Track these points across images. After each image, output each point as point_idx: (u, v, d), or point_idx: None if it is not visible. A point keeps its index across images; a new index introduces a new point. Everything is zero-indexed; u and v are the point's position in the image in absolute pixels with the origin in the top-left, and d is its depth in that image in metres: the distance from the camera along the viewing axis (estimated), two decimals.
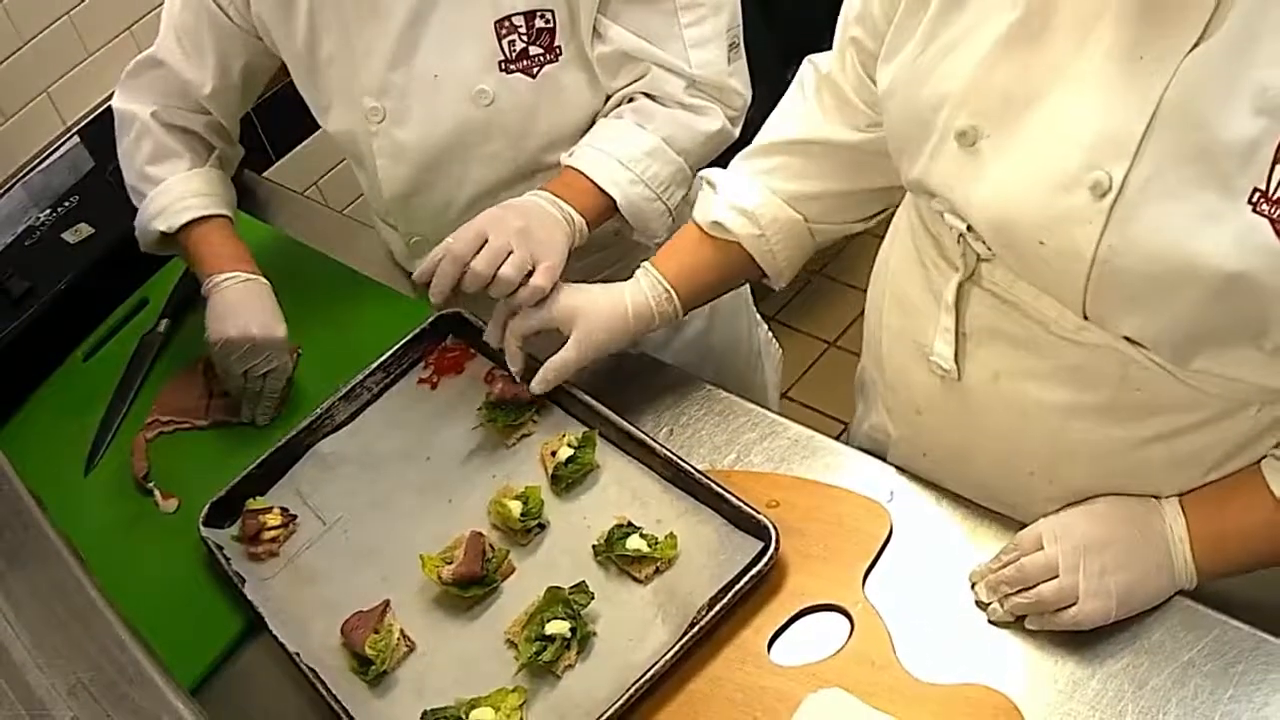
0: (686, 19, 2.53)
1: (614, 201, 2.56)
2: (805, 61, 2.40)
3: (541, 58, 2.54)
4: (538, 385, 2.40)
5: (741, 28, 2.66)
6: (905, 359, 2.24)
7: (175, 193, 2.82)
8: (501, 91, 2.56)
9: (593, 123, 2.67)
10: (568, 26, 2.53)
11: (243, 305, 2.67)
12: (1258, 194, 1.62)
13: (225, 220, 2.85)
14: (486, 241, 2.34)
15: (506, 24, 2.50)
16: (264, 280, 2.75)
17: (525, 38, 2.51)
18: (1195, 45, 1.63)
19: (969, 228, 1.96)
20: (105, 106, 3.43)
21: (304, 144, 3.32)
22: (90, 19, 3.49)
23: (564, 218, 2.48)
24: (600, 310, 2.41)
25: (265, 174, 3.50)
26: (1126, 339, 1.87)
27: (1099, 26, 1.72)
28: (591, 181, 2.55)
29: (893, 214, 2.36)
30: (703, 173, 2.53)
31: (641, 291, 2.43)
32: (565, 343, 2.39)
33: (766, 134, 2.45)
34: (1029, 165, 1.82)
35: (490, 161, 2.67)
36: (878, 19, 2.09)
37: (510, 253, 2.34)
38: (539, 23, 2.50)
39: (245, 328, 2.63)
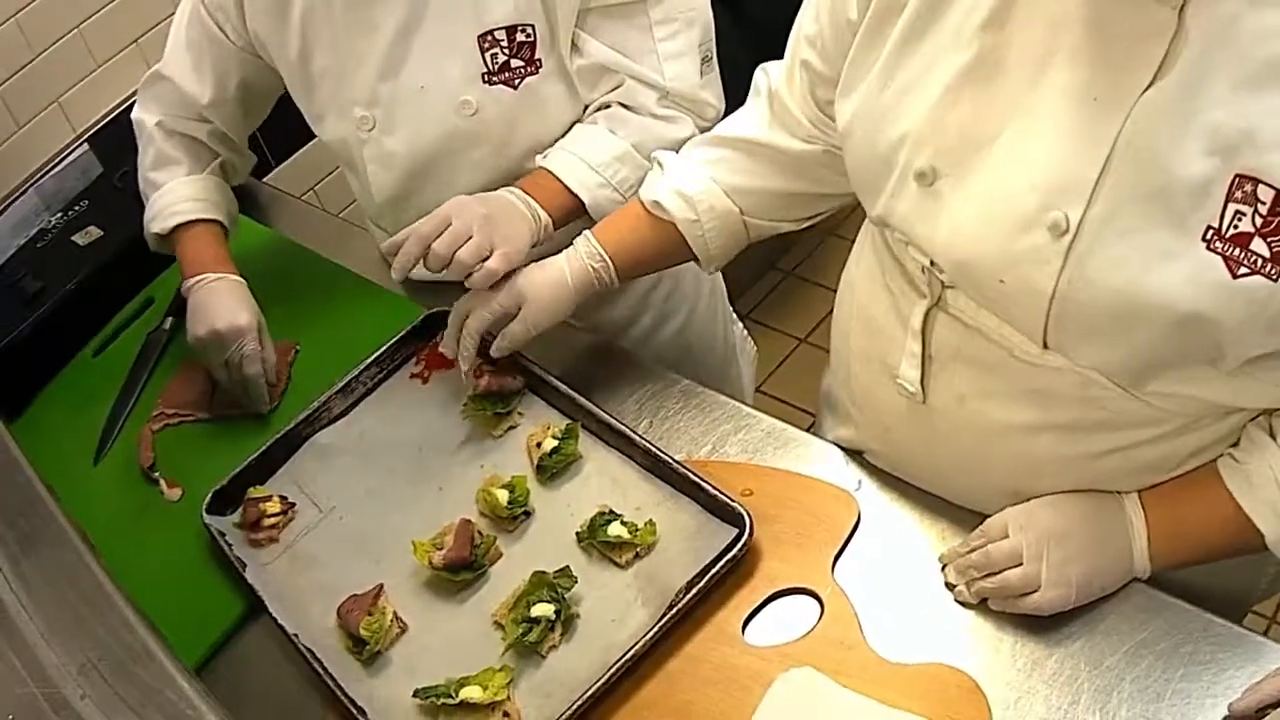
0: (660, 33, 2.53)
1: (582, 203, 2.56)
2: (759, 69, 2.39)
3: (523, 70, 2.54)
4: (495, 351, 2.42)
5: (714, 41, 2.66)
6: (872, 379, 2.24)
7: (170, 198, 2.84)
8: (485, 102, 2.55)
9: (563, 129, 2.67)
10: (548, 40, 2.53)
11: (210, 303, 2.68)
12: (1211, 231, 1.62)
13: (213, 225, 2.86)
14: (451, 225, 2.36)
15: (489, 38, 2.50)
16: (235, 278, 2.75)
17: (507, 51, 2.51)
18: (1148, 87, 1.62)
19: (931, 262, 1.95)
20: (113, 115, 3.46)
21: (301, 151, 3.32)
22: (99, 32, 3.48)
23: (530, 214, 2.48)
24: (541, 286, 2.42)
25: (265, 179, 3.49)
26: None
27: (1051, 67, 1.72)
28: (561, 183, 2.55)
29: (857, 228, 2.33)
30: (655, 154, 2.52)
31: (580, 259, 2.43)
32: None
33: (719, 128, 2.45)
34: (988, 206, 1.82)
35: (475, 168, 2.66)
36: (830, 48, 2.09)
37: (470, 238, 2.35)
38: (520, 37, 2.50)
39: (212, 323, 2.64)
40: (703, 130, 2.60)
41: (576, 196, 2.56)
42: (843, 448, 2.37)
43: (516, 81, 2.55)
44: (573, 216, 2.59)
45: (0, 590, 1.68)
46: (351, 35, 2.57)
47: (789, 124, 2.29)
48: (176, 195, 2.86)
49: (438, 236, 2.35)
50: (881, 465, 2.32)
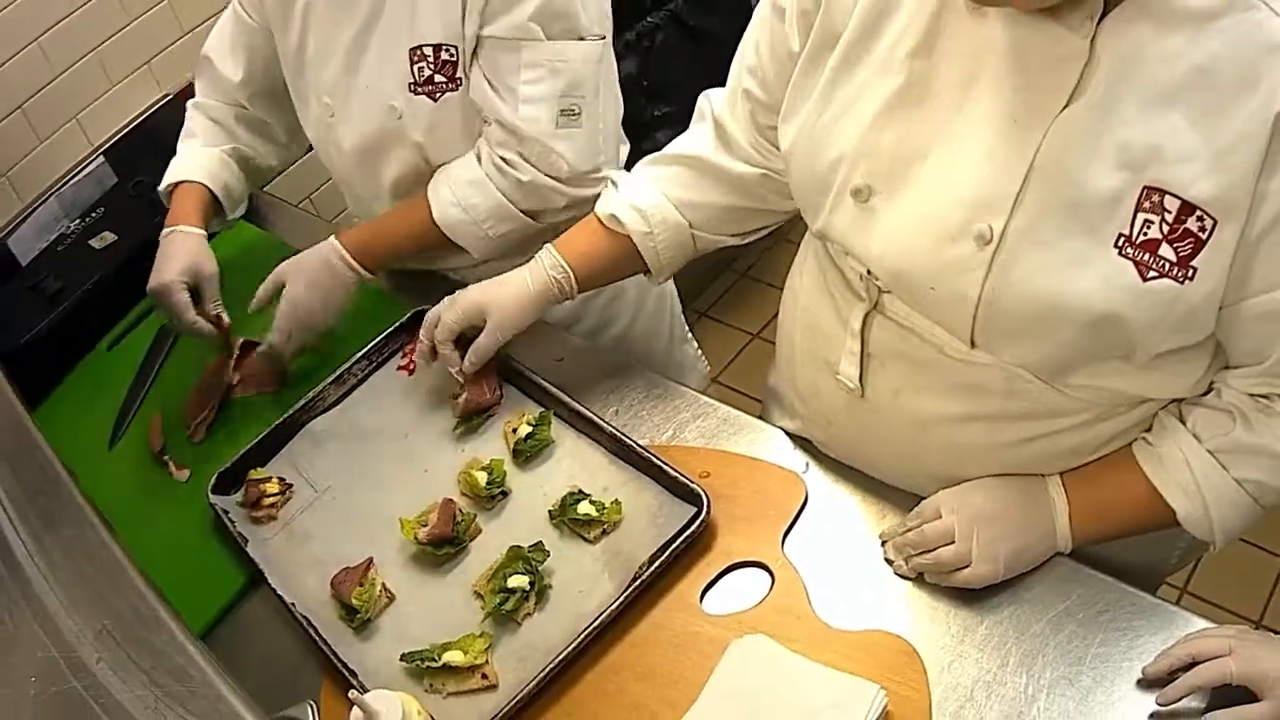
0: (525, 76, 2.48)
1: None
2: (702, 96, 2.40)
3: (444, 85, 2.55)
4: (468, 366, 2.42)
5: (586, 99, 2.57)
6: (816, 376, 2.25)
7: (175, 163, 2.91)
8: (408, 109, 2.58)
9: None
10: (469, 63, 2.54)
11: (164, 253, 2.76)
12: (1122, 239, 1.66)
13: (198, 187, 2.89)
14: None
15: (419, 52, 2.52)
16: (187, 229, 2.79)
17: (432, 66, 2.53)
18: (1063, 108, 1.65)
19: (869, 270, 1.97)
20: (128, 129, 3.44)
21: (298, 164, 3.31)
22: (114, 54, 3.46)
23: (343, 282, 2.69)
24: (507, 297, 2.41)
25: (265, 189, 3.47)
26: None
27: (974, 92, 1.74)
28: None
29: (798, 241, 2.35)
30: (608, 173, 2.54)
31: (543, 271, 2.41)
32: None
33: (669, 147, 2.43)
34: (918, 220, 1.84)
35: (401, 164, 2.70)
36: (771, 78, 2.10)
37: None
38: (444, 55, 2.52)
39: (159, 275, 2.72)
40: (554, 178, 2.59)
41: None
42: (790, 434, 2.37)
43: (437, 95, 2.56)
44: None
45: (23, 563, 1.68)
46: (326, 30, 2.62)
47: (732, 147, 2.29)
48: (180, 161, 2.93)
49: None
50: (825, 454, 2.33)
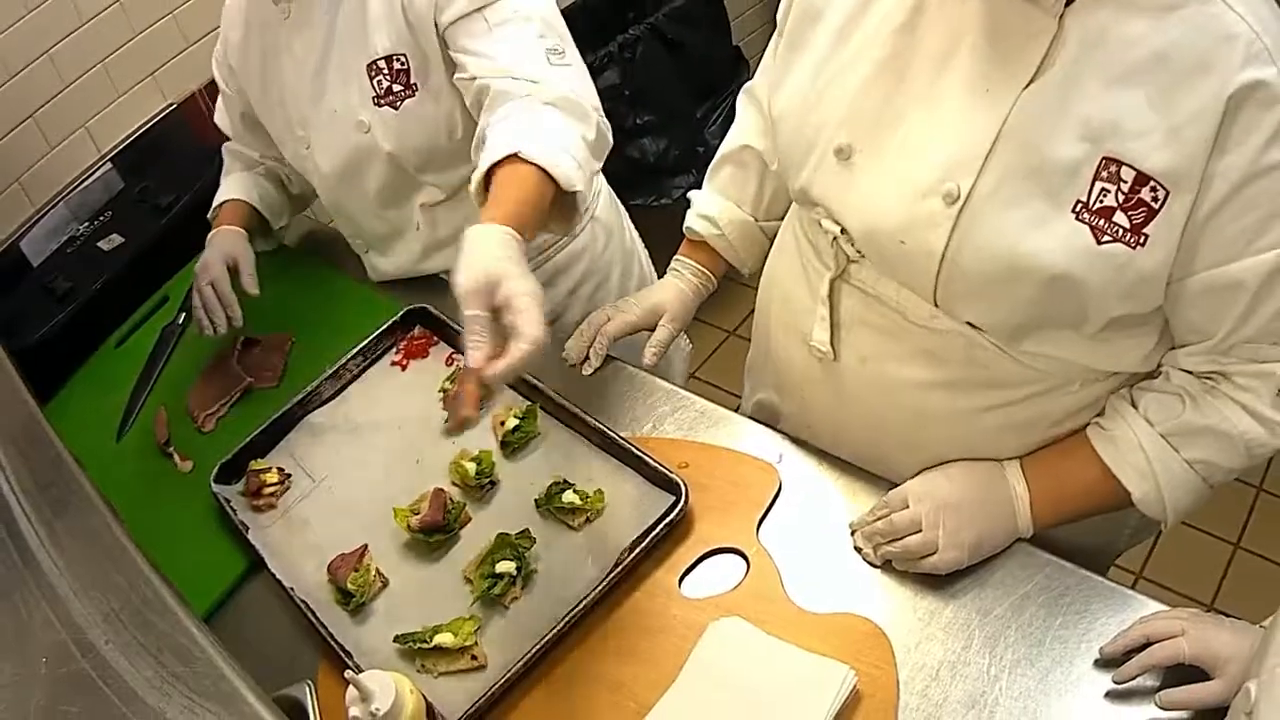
0: (499, 34, 2.40)
1: (549, 176, 2.20)
2: (742, 90, 2.49)
3: (402, 93, 2.55)
4: (650, 358, 2.44)
5: (563, 38, 2.49)
6: (790, 347, 2.28)
7: (219, 193, 3.02)
8: (375, 122, 2.58)
9: (449, 142, 2.66)
10: (422, 67, 2.54)
11: (206, 249, 2.88)
12: (1080, 205, 1.70)
13: (235, 203, 2.98)
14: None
15: (374, 66, 2.53)
16: (229, 228, 2.91)
17: (388, 77, 2.54)
18: (1031, 81, 1.70)
19: (842, 230, 2.00)
20: (134, 137, 3.44)
21: None
22: (120, 66, 3.46)
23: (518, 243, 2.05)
24: (675, 299, 2.52)
25: None
26: (970, 325, 1.93)
27: (951, 64, 1.79)
28: (533, 164, 2.18)
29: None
30: (689, 193, 2.61)
31: (687, 277, 2.56)
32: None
33: (720, 150, 2.53)
34: (893, 177, 1.88)
35: (376, 178, 2.70)
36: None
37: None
38: (396, 65, 2.53)
39: (202, 259, 2.87)
40: (578, 100, 2.39)
41: (545, 172, 2.18)
42: (764, 423, 2.39)
43: (397, 104, 2.56)
44: (546, 196, 2.20)
45: (35, 549, 1.67)
46: (286, 71, 2.64)
47: (762, 121, 2.40)
48: (221, 190, 3.01)
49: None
50: (795, 427, 2.36)
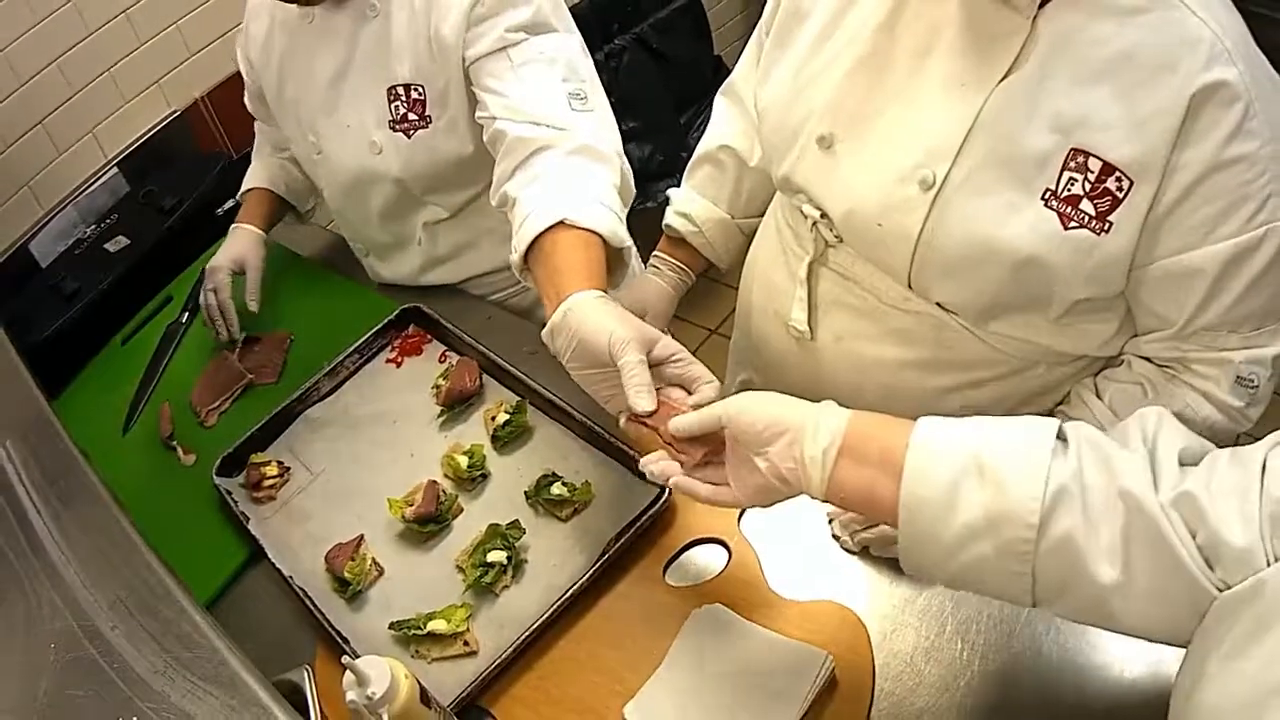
0: (524, 74, 2.36)
1: (602, 237, 2.12)
2: (718, 94, 2.53)
3: (416, 123, 2.54)
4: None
5: (587, 83, 2.41)
6: (769, 328, 2.33)
7: (247, 174, 3.10)
8: (387, 144, 2.57)
9: (456, 171, 2.64)
10: (440, 100, 2.51)
11: (223, 245, 2.93)
12: (1049, 193, 1.75)
13: (260, 191, 3.05)
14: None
15: (394, 91, 2.52)
16: (246, 226, 2.96)
17: (405, 105, 2.53)
18: (1005, 77, 1.75)
19: (822, 215, 2.05)
20: (139, 142, 3.43)
21: None
22: (126, 74, 3.46)
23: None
24: (659, 298, 2.55)
25: None
26: (941, 306, 1.97)
27: (930, 59, 1.84)
28: (593, 233, 2.09)
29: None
30: (667, 191, 2.64)
31: (667, 273, 2.58)
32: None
33: (697, 149, 2.57)
34: (873, 164, 1.92)
35: (381, 196, 2.70)
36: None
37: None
38: (414, 94, 2.52)
39: (212, 260, 2.90)
40: (597, 146, 2.32)
41: (599, 235, 2.11)
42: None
43: (411, 131, 2.55)
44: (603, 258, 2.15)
45: (44, 539, 1.68)
46: (302, 75, 2.62)
47: (741, 117, 2.45)
48: (249, 173, 3.08)
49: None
50: None
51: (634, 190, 2.37)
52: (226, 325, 2.83)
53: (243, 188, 3.05)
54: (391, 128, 2.56)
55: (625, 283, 2.81)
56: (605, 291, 1.95)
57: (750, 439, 1.62)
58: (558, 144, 2.24)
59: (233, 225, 2.92)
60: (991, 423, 1.47)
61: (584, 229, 2.05)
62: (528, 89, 2.34)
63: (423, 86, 2.51)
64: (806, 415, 1.59)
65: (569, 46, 2.43)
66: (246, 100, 2.98)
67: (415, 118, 2.54)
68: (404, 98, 2.53)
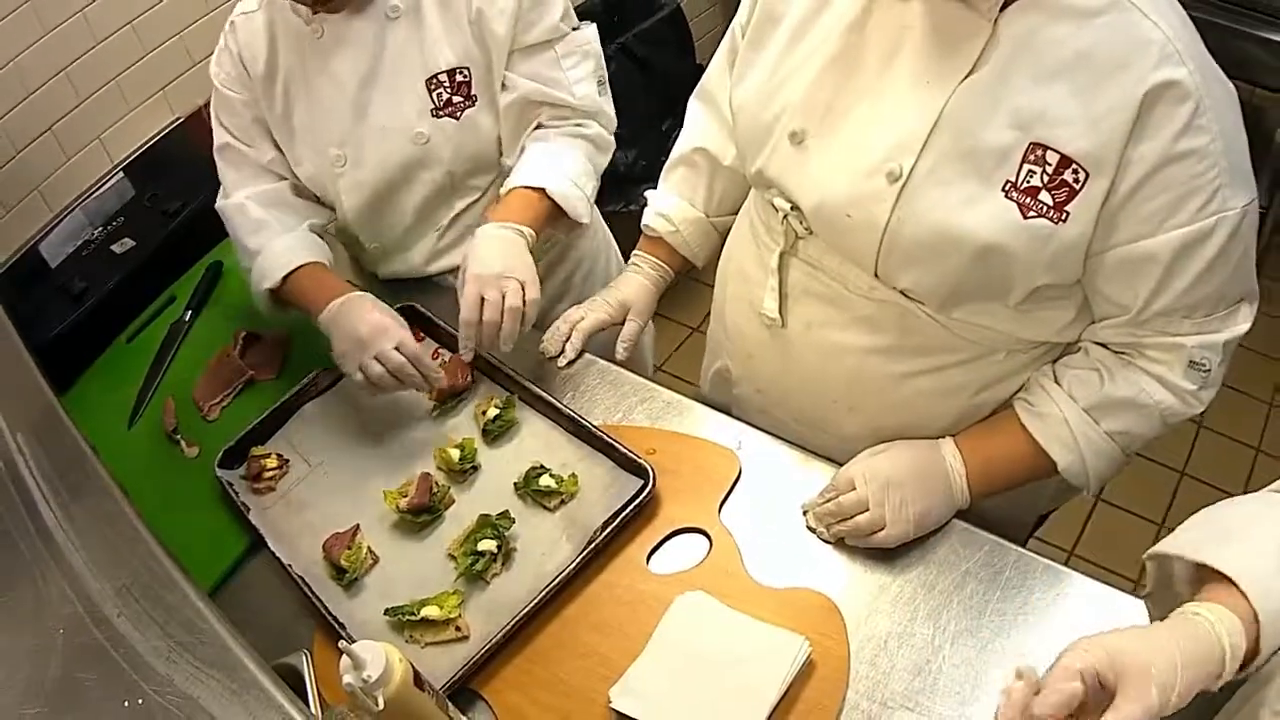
0: (567, 64, 2.62)
1: (552, 200, 2.58)
2: (691, 99, 2.56)
3: (462, 104, 2.56)
4: (622, 352, 2.52)
5: (606, 72, 2.75)
6: (742, 317, 2.34)
7: (269, 257, 2.60)
8: (434, 133, 2.56)
9: (498, 148, 2.71)
10: (484, 79, 2.56)
11: (350, 316, 2.45)
12: (1009, 184, 1.79)
13: (315, 266, 2.61)
14: (484, 299, 2.36)
15: (435, 80, 2.53)
16: (362, 293, 2.50)
17: (449, 90, 2.55)
18: (967, 76, 1.78)
19: (793, 207, 2.07)
20: (144, 148, 3.43)
21: None
22: (132, 82, 3.44)
23: (524, 238, 2.49)
24: (640, 293, 2.59)
25: None
26: (906, 294, 1.99)
27: (897, 59, 1.87)
28: (539, 191, 2.57)
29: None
30: (645, 191, 2.67)
31: (648, 270, 2.62)
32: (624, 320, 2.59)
33: (673, 152, 2.59)
34: (842, 158, 1.95)
35: (427, 185, 2.67)
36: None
37: (503, 297, 2.35)
38: (459, 77, 2.54)
39: (354, 330, 2.41)
40: (604, 129, 2.76)
41: (549, 198, 2.58)
42: (721, 405, 2.45)
43: (458, 114, 2.57)
44: (550, 217, 2.61)
45: (53, 529, 1.68)
46: (321, 91, 2.56)
47: (714, 119, 2.47)
48: (274, 253, 2.61)
49: (481, 318, 2.36)
50: (747, 391, 2.43)
51: (612, 145, 2.80)
52: (424, 373, 2.42)
53: (276, 272, 2.57)
54: (436, 115, 2.56)
55: (592, 262, 3.00)
56: (524, 229, 2.48)
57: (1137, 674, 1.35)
58: (584, 129, 2.70)
59: (337, 301, 2.47)
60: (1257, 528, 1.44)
61: (553, 201, 2.58)
62: (569, 76, 2.64)
63: (468, 69, 2.54)
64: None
65: (595, 38, 2.70)
66: (229, 133, 2.65)
67: (461, 99, 2.57)
68: (447, 84, 2.55)
